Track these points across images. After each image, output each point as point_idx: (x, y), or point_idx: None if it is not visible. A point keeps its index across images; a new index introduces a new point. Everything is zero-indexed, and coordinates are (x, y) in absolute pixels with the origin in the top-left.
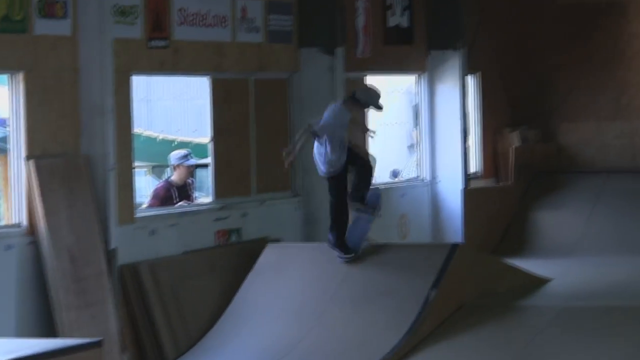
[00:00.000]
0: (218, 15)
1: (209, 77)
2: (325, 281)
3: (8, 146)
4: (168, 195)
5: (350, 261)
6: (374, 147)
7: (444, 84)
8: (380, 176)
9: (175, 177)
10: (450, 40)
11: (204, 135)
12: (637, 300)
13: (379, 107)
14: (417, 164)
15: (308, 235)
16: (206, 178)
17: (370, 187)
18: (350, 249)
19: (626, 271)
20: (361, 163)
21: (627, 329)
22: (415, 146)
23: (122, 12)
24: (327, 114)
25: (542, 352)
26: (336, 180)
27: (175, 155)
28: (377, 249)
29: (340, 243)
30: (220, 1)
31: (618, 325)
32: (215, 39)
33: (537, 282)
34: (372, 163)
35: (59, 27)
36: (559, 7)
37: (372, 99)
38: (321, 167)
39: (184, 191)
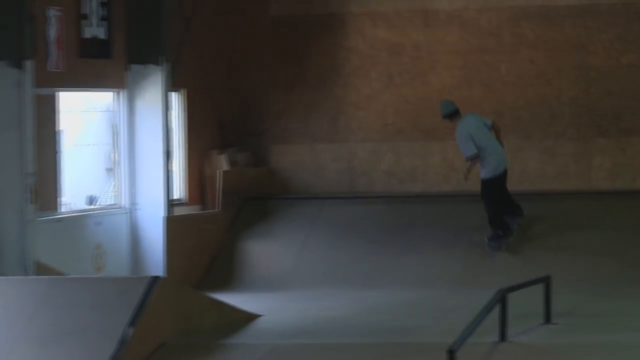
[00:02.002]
0: None
1: None
2: (11, 318)
3: None
4: None
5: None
6: (69, 170)
7: (145, 102)
8: (75, 203)
9: None
10: (152, 54)
11: None
12: (350, 337)
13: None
14: (115, 189)
15: None
16: None
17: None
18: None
19: (339, 305)
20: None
21: None
22: (114, 170)
23: None
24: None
25: None
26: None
27: None
28: (69, 283)
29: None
30: None
31: None
32: None
33: (245, 319)
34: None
35: None
36: (272, 20)
37: None
38: None
39: None
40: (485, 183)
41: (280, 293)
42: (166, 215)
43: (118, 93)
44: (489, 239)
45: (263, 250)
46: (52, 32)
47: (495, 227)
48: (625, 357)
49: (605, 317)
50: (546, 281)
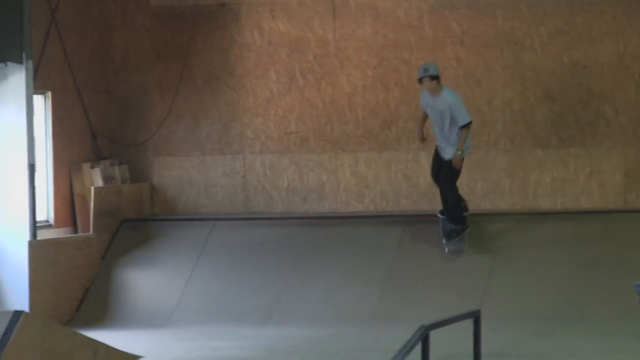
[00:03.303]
0: None
1: None
2: None
3: None
4: None
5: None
6: None
7: (4, 106)
8: None
9: None
10: (11, 50)
11: None
12: None
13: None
14: None
15: None
16: None
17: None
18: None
19: (233, 345)
20: None
21: None
22: None
23: None
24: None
25: None
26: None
27: None
28: None
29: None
30: None
31: None
32: None
33: None
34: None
35: None
36: (152, 11)
37: None
38: None
39: None
40: (460, 161)
41: (163, 330)
42: (31, 239)
43: None
44: (453, 233)
45: (144, 281)
46: None
47: (457, 214)
48: None
49: (544, 359)
50: (475, 316)
